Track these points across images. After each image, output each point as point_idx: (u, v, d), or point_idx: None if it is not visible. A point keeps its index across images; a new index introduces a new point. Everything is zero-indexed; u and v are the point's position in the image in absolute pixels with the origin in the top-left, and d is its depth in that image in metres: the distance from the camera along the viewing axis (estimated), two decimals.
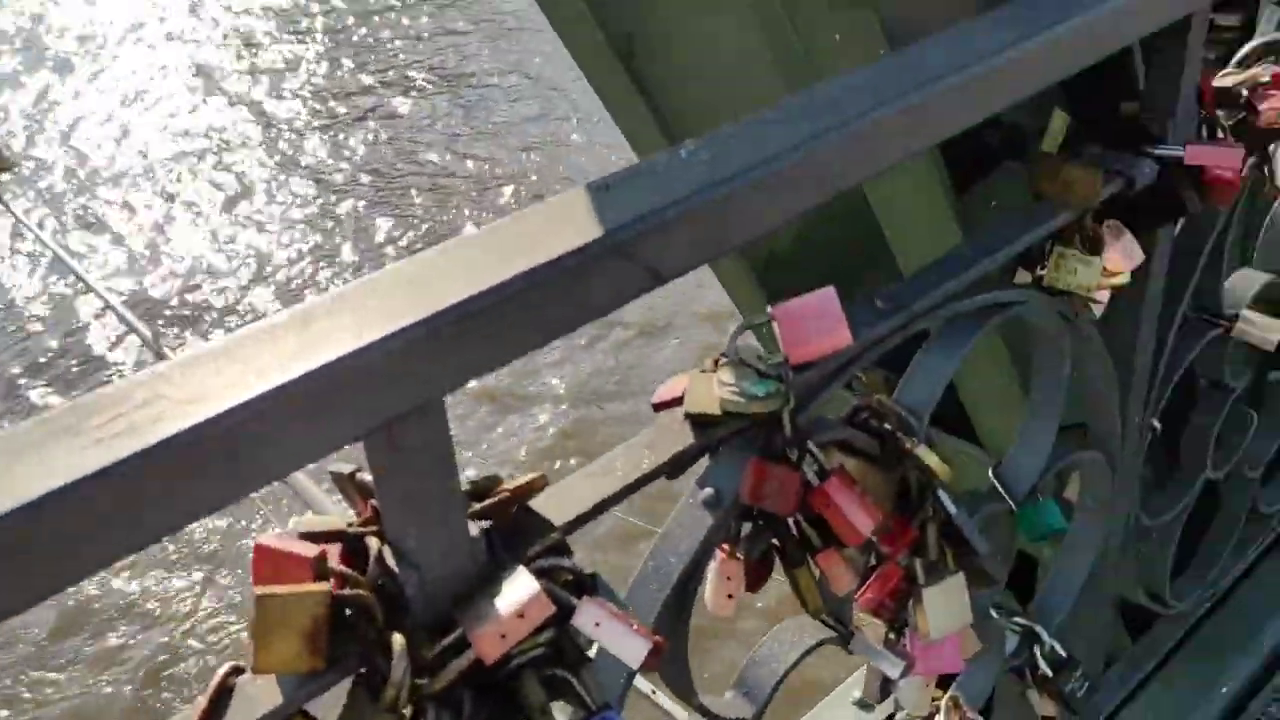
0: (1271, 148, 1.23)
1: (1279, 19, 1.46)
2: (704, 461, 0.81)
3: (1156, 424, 1.33)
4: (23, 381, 5.58)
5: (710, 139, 0.71)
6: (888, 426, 0.91)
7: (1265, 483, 1.78)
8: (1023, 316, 1.04)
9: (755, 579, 0.87)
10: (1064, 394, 1.12)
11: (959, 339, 0.98)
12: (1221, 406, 1.46)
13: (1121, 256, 1.03)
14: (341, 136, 7.38)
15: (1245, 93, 1.15)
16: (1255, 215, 1.46)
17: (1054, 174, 1.01)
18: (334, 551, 0.61)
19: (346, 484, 0.65)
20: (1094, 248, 1.01)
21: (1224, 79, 1.13)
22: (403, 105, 7.71)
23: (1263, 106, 1.13)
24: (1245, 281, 1.41)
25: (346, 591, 0.59)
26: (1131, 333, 1.20)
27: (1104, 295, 1.05)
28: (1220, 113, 1.13)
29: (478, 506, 0.65)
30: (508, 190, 6.85)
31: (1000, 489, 1.14)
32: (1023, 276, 1.05)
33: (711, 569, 0.87)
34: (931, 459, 0.92)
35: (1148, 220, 1.08)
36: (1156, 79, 1.06)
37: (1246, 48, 1.24)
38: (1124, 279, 1.04)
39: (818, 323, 0.80)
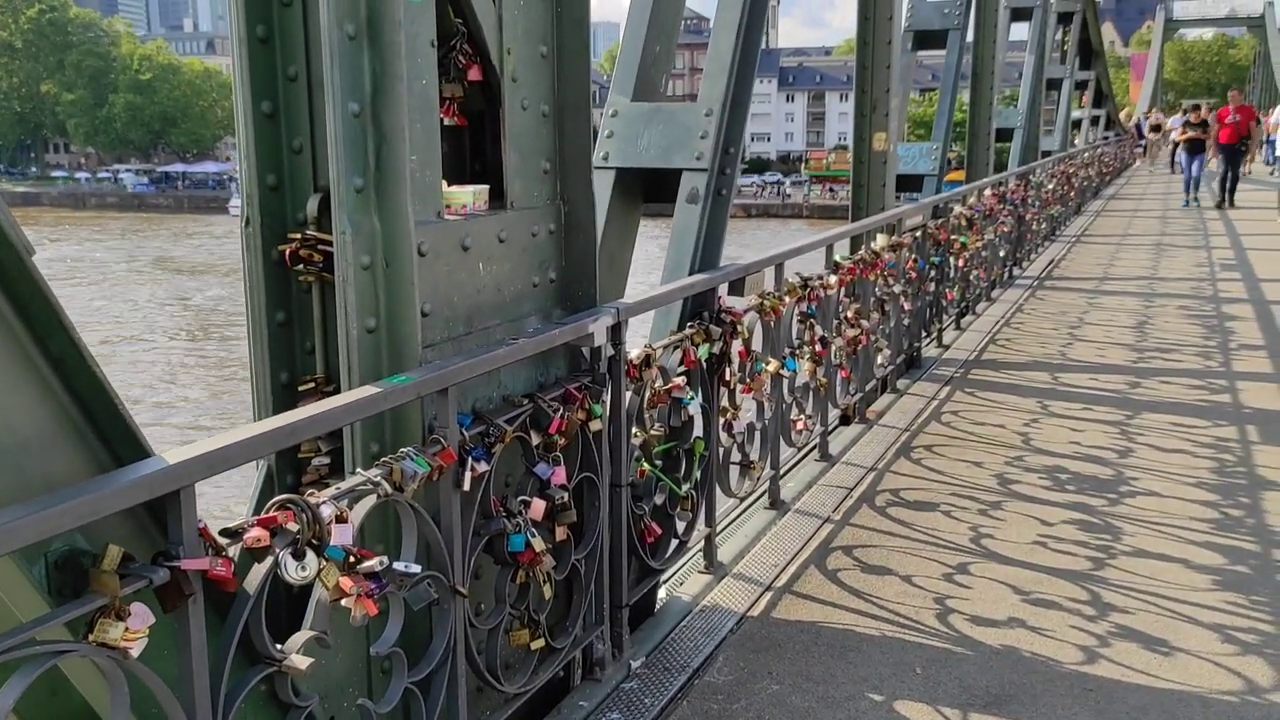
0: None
1: None
2: None
3: None
4: None
5: None
6: None
7: None
8: (87, 656, 1.85)
9: None
10: (126, 708, 1.93)
11: (33, 670, 1.76)
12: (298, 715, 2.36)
13: (140, 623, 1.90)
14: None
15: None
16: None
17: (100, 580, 1.88)
18: None
19: None
20: (121, 616, 1.88)
21: (225, 530, 2.11)
22: None
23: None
24: (299, 636, 2.36)
25: None
26: (186, 668, 2.05)
27: (137, 643, 1.89)
28: (224, 541, 2.09)
29: None
30: None
31: None
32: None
33: None
34: None
35: (171, 601, 1.98)
36: (174, 529, 1.99)
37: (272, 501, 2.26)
38: (143, 641, 1.89)
39: None
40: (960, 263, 9.27)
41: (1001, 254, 11.53)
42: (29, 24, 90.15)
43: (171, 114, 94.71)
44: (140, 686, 1.96)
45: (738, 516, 5.05)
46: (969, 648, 3.78)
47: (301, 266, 2.76)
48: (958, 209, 9.29)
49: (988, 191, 10.80)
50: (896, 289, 7.11)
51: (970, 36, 11.56)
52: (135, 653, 1.91)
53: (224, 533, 2.12)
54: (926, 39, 10.68)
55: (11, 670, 1.78)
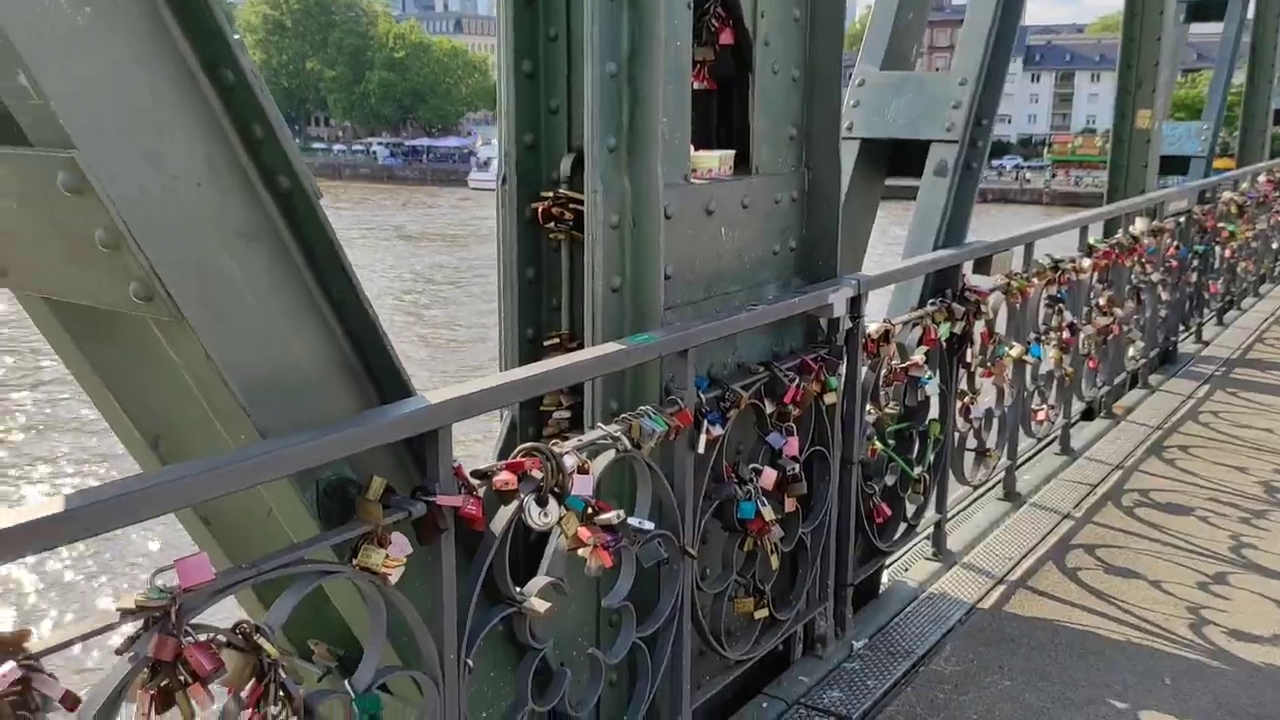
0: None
1: None
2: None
3: (470, 662, 2.25)
4: None
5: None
6: (251, 632, 1.79)
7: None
8: (348, 579, 1.97)
9: (161, 704, 1.68)
10: (383, 630, 2.03)
11: (303, 587, 1.88)
12: (532, 662, 2.43)
13: (399, 551, 2.00)
14: None
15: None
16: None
17: (365, 508, 1.99)
18: None
19: None
20: (382, 544, 1.98)
21: (476, 472, 2.19)
22: None
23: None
24: (537, 581, 2.43)
25: None
26: (437, 601, 2.14)
27: (395, 570, 2.00)
28: (475, 482, 2.17)
29: None
30: None
31: (346, 685, 2.01)
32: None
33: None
34: (273, 651, 1.80)
35: (426, 534, 2.07)
36: (431, 466, 2.09)
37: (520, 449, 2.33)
38: (400, 569, 1.99)
39: (197, 569, 1.69)
40: (1227, 253, 8.55)
41: (1274, 246, 10.56)
42: (298, 4, 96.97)
43: (420, 90, 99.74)
44: (391, 614, 2.06)
45: (969, 505, 4.86)
46: (1226, 662, 3.49)
47: (553, 224, 2.82)
48: (1227, 195, 8.56)
49: (1262, 177, 9.89)
50: (1155, 277, 6.63)
51: (1251, 10, 10.58)
52: (394, 579, 2.01)
53: (475, 474, 2.20)
54: (1202, 10, 9.86)
55: (282, 588, 1.91)
